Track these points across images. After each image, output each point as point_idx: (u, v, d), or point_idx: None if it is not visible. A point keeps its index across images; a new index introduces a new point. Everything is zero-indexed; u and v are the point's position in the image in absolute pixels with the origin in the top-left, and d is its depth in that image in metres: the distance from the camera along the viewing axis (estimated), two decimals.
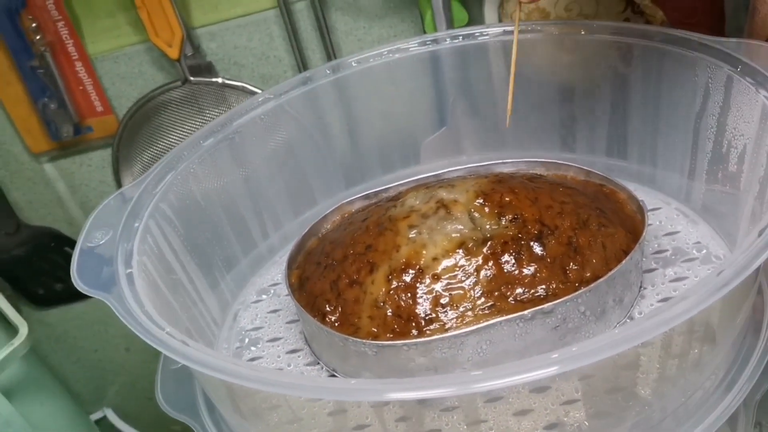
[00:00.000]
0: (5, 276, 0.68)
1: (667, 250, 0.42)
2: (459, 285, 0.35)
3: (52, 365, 0.73)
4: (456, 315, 0.35)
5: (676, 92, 0.43)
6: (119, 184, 0.64)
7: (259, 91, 0.60)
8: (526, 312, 0.33)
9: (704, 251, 0.41)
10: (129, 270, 0.35)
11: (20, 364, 0.58)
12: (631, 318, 0.37)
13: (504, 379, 0.24)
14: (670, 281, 0.39)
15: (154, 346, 0.30)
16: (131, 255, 0.36)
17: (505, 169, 0.44)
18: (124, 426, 0.79)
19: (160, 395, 0.40)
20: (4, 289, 0.67)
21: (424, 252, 0.36)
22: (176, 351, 0.29)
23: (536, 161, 0.44)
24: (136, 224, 0.38)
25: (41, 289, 0.71)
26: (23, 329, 0.54)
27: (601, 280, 0.34)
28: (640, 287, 0.39)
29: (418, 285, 0.35)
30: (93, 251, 0.36)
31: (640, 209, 0.39)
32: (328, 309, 0.37)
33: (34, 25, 0.57)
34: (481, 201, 0.37)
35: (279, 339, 0.43)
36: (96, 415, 0.79)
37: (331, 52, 0.60)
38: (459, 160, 0.54)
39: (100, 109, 0.62)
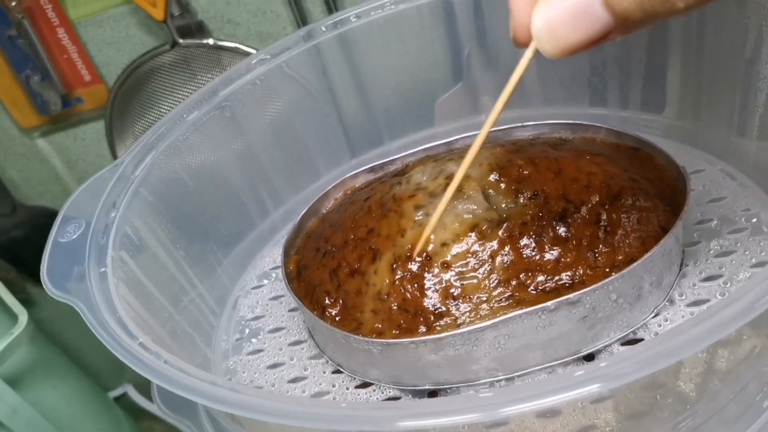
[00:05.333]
0: (7, 258, 0.65)
1: (711, 220, 0.37)
2: (472, 274, 0.31)
3: (66, 344, 0.72)
4: (469, 308, 0.31)
5: (724, 36, 0.37)
6: (116, 158, 0.61)
7: (255, 51, 0.55)
8: (548, 303, 0.29)
9: (754, 220, 0.36)
10: (102, 269, 0.31)
11: (28, 349, 0.56)
12: (671, 301, 0.33)
13: (520, 404, 0.20)
14: (715, 256, 0.34)
15: (122, 359, 0.26)
16: (105, 251, 0.32)
17: (526, 134, 0.39)
18: (146, 402, 0.77)
19: (158, 397, 0.37)
20: (8, 271, 0.65)
21: (432, 237, 0.32)
22: (144, 365, 0.26)
23: (560, 123, 0.39)
24: (113, 214, 0.34)
25: None
26: (23, 317, 0.52)
27: (635, 264, 0.30)
28: (681, 265, 0.34)
29: (425, 275, 0.31)
30: (65, 247, 0.33)
31: (681, 176, 0.34)
32: (328, 302, 0.33)
33: None
34: (496, 176, 0.33)
35: (281, 329, 0.39)
36: (116, 392, 0.77)
37: (332, 5, 0.55)
38: (478, 121, 0.49)
39: (87, 78, 0.58)
